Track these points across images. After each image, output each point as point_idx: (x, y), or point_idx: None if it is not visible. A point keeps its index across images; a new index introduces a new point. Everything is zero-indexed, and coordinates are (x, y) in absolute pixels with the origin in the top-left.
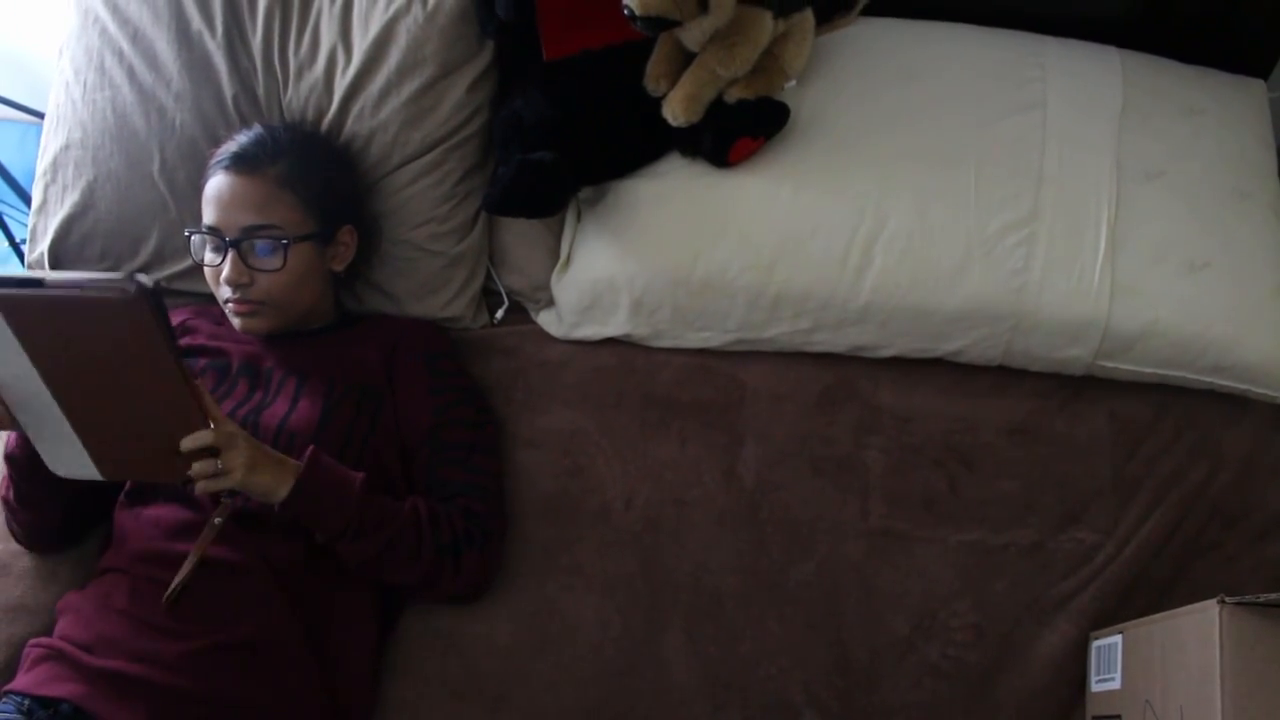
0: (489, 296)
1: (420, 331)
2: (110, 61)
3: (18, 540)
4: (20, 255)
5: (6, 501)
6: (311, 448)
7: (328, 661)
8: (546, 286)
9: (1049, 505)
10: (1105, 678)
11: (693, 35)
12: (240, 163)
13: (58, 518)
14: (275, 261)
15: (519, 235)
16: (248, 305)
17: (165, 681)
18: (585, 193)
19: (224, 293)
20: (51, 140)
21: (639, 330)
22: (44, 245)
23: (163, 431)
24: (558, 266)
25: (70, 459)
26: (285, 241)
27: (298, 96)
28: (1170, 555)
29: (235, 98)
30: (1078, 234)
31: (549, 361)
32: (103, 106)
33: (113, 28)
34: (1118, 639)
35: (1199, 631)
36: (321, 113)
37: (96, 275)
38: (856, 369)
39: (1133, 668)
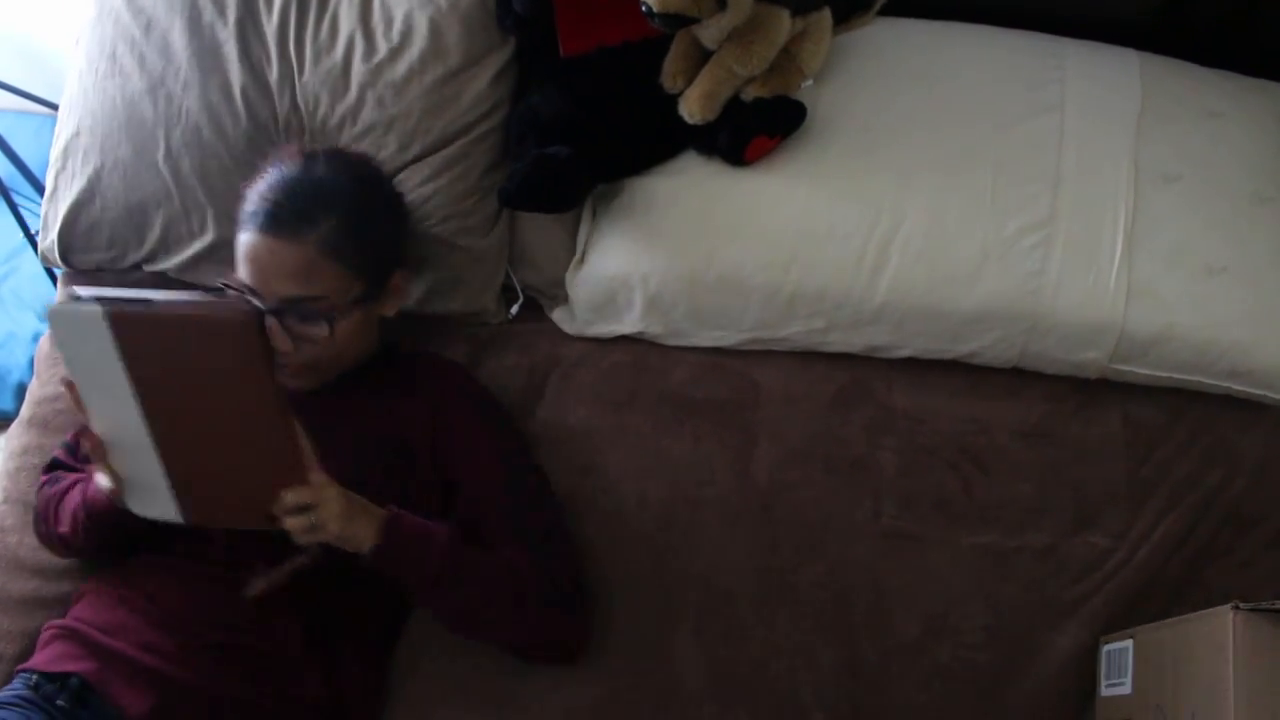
0: (503, 292)
1: (459, 377)
2: (122, 50)
3: (51, 551)
4: (35, 246)
5: (65, 539)
6: (393, 507)
7: (333, 665)
8: (561, 283)
9: (1062, 508)
10: (1115, 682)
11: (710, 33)
12: (277, 226)
13: (109, 553)
14: (321, 331)
15: (535, 231)
16: (292, 368)
17: (171, 674)
18: (601, 190)
19: None
20: (64, 128)
21: (653, 328)
22: (54, 233)
23: (255, 473)
24: (573, 263)
25: (154, 500)
26: (331, 317)
27: (314, 82)
28: (1183, 560)
29: (244, 87)
30: (1094, 237)
31: (564, 359)
32: (112, 94)
33: (127, 17)
34: (1129, 644)
35: (1212, 637)
36: (337, 99)
37: (207, 298)
38: (871, 369)
39: (1144, 673)
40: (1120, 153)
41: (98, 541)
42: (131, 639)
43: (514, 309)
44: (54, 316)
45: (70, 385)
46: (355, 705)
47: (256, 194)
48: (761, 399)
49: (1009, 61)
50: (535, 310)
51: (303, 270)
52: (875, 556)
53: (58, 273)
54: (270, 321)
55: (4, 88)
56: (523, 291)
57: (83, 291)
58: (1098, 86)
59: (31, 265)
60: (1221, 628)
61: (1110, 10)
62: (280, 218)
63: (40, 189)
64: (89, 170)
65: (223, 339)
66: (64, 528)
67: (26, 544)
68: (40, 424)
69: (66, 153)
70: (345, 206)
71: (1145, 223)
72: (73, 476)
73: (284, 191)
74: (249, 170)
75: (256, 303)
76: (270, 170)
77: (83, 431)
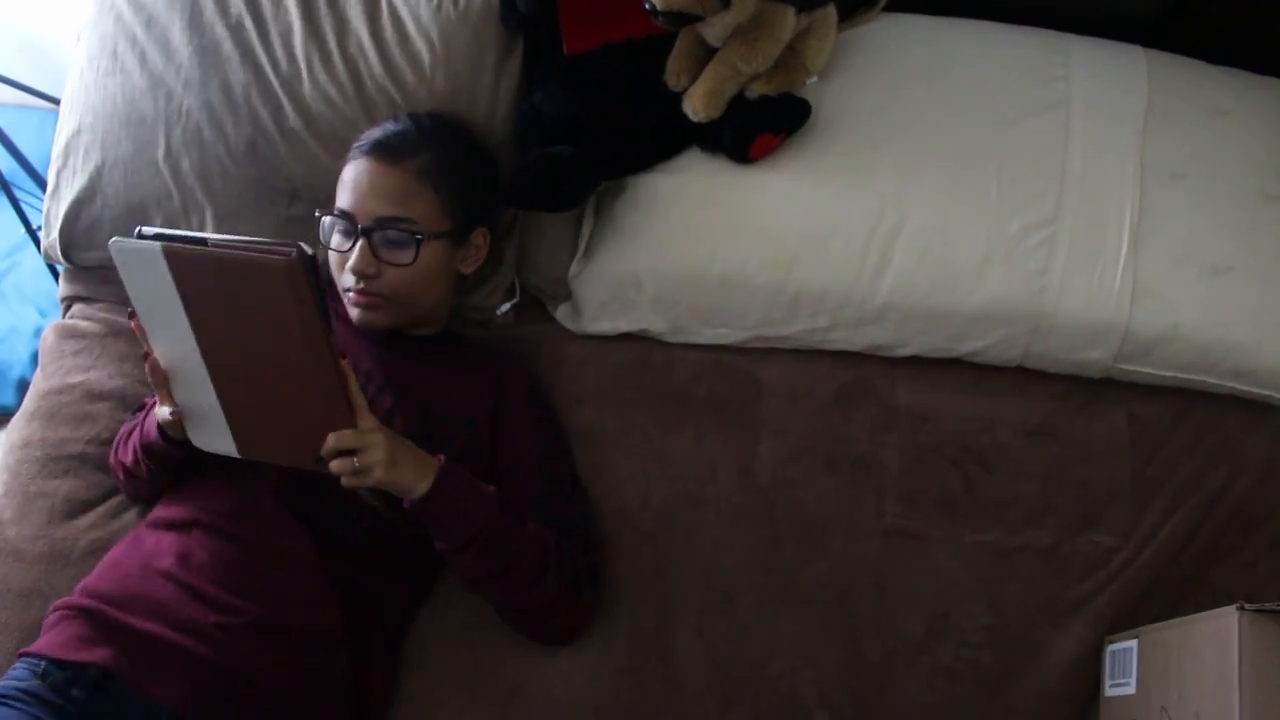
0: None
1: (518, 368)
2: (123, 47)
3: (120, 487)
4: (37, 241)
5: (128, 469)
6: (442, 456)
7: (360, 653)
8: (563, 281)
9: (1066, 507)
10: (1120, 682)
11: (714, 30)
12: (382, 150)
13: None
14: (406, 256)
15: (537, 229)
16: (370, 298)
17: (204, 655)
18: (604, 187)
19: (347, 280)
20: (65, 126)
21: (656, 326)
22: (56, 231)
23: (305, 413)
24: (575, 260)
25: (212, 433)
26: (419, 237)
27: (322, 83)
28: (1187, 560)
29: (246, 87)
30: (1099, 236)
31: (568, 358)
32: (113, 92)
33: (128, 14)
34: (1133, 644)
35: (1217, 638)
36: (348, 102)
37: (260, 239)
38: (874, 368)
39: (1148, 673)
40: (1126, 150)
41: (150, 474)
42: (162, 617)
43: (505, 307)
44: (116, 249)
45: (134, 315)
46: (375, 690)
47: (366, 133)
48: (764, 396)
49: (1014, 58)
50: (538, 308)
51: (398, 192)
52: (878, 555)
53: (60, 269)
54: (360, 243)
55: (6, 82)
56: (524, 290)
57: (145, 230)
58: (1104, 83)
59: (33, 260)
60: (1227, 629)
61: (1117, 7)
62: (386, 145)
63: (42, 184)
64: (90, 168)
65: (272, 281)
66: (127, 458)
67: (25, 535)
68: (44, 417)
69: (68, 150)
70: (444, 146)
71: (1151, 221)
72: (145, 412)
73: (390, 129)
74: (249, 171)
75: (302, 246)
76: (383, 121)
77: (147, 359)
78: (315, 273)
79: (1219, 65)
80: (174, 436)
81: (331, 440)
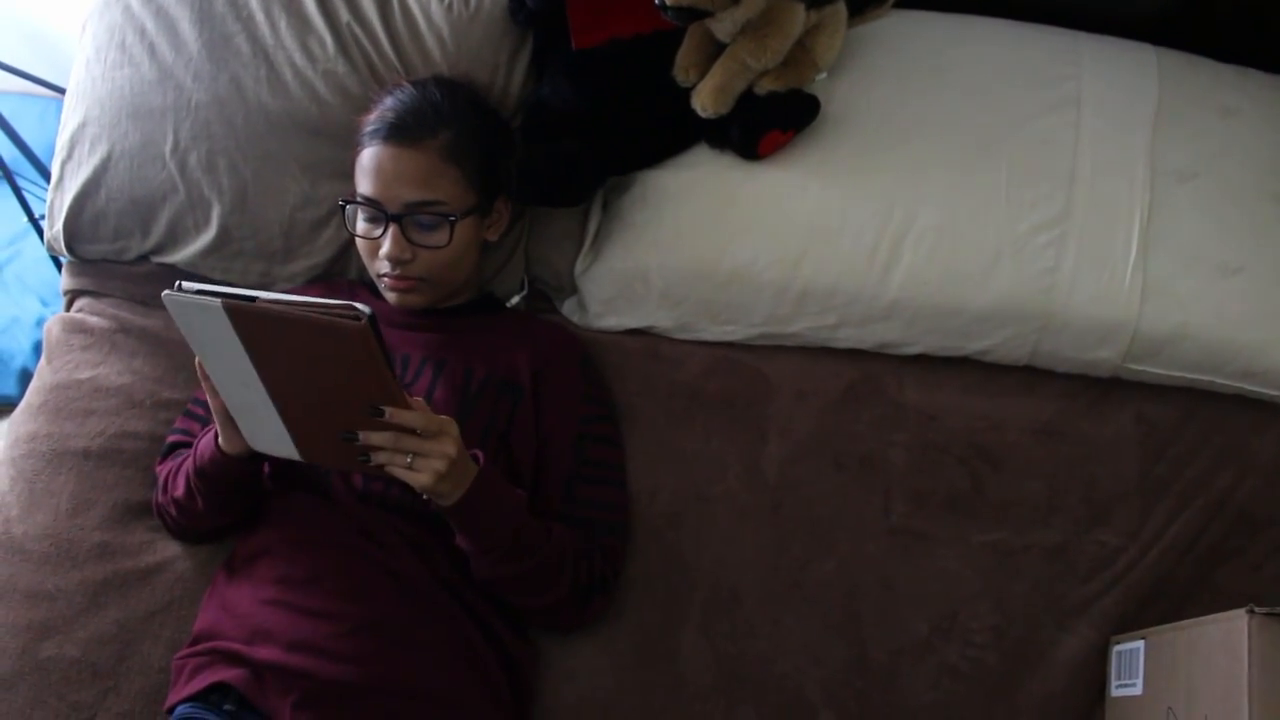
0: None
1: (571, 338)
2: (132, 39)
3: (172, 533)
4: (40, 231)
5: (180, 504)
6: (482, 456)
7: (499, 640)
8: (571, 275)
9: (1073, 507)
10: (1126, 683)
11: (724, 26)
12: (401, 134)
13: (234, 519)
14: (440, 238)
15: (544, 223)
16: (406, 281)
17: (327, 674)
18: (612, 182)
19: (381, 267)
20: (70, 117)
21: (663, 322)
22: (59, 223)
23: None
24: (581, 256)
25: (274, 441)
26: (452, 219)
27: (334, 78)
28: (1194, 561)
29: (257, 81)
30: (1109, 235)
31: None
32: (121, 84)
33: (136, 5)
34: (1139, 644)
35: (1226, 641)
36: (360, 95)
37: (316, 300)
38: (882, 365)
39: (1155, 674)
40: (1136, 150)
41: (207, 505)
42: (279, 642)
43: (514, 299)
44: (171, 303)
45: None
46: (520, 655)
47: (376, 115)
48: (772, 394)
49: (1025, 56)
50: (546, 301)
51: (425, 175)
52: (884, 554)
53: (63, 259)
54: (391, 229)
55: (8, 70)
56: (531, 283)
57: (187, 285)
58: (1114, 83)
59: (35, 249)
60: (1237, 631)
61: (1127, 5)
62: (403, 128)
63: (44, 172)
64: (95, 160)
65: (344, 342)
66: (179, 492)
67: (32, 534)
68: (52, 411)
69: (73, 141)
70: (461, 120)
71: (1161, 221)
72: (190, 452)
73: (404, 107)
74: (258, 166)
75: (362, 308)
76: (385, 97)
77: (209, 392)
78: (378, 328)
79: (1230, 64)
80: (234, 454)
81: (403, 419)
